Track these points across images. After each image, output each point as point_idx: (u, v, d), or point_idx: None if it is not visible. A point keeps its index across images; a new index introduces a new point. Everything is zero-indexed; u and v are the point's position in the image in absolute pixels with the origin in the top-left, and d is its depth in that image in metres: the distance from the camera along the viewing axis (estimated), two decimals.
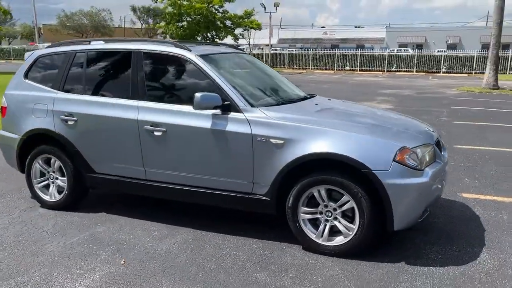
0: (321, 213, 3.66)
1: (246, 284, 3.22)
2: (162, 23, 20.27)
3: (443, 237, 3.98)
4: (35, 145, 4.71)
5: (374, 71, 33.71)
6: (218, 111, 3.86)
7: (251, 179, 3.82)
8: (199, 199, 4.16)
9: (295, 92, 4.84)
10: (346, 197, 3.51)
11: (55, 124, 4.52)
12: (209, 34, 19.70)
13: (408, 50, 38.91)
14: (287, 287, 3.18)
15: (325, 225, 3.66)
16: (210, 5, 18.73)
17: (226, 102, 3.84)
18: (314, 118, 3.91)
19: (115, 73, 4.61)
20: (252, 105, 3.88)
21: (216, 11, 19.19)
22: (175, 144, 4.03)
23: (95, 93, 4.50)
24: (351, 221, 3.57)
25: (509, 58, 30.29)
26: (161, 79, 4.52)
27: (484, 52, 30.79)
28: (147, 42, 4.49)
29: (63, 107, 4.51)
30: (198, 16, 18.65)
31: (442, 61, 32.14)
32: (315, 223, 3.73)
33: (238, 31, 21.71)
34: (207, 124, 3.88)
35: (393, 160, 3.38)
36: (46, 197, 4.78)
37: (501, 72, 29.04)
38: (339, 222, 3.61)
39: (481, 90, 18.28)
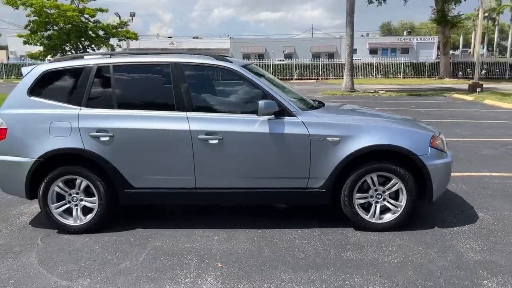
0: (371, 196, 4.35)
1: (345, 261, 3.73)
2: (26, 32, 18.31)
3: (445, 206, 5.02)
4: (52, 167, 4.36)
5: None
6: (272, 116, 4.25)
7: (307, 175, 4.30)
8: (254, 200, 4.47)
9: (306, 98, 5.41)
10: (394, 180, 4.27)
11: (83, 141, 4.29)
12: (81, 45, 18.58)
13: (283, 60, 41.37)
14: (377, 258, 3.79)
15: (376, 206, 4.36)
16: (81, 14, 17.68)
17: (279, 108, 4.26)
18: (356, 117, 4.59)
19: (150, 85, 4.55)
20: (302, 109, 4.37)
21: (87, 21, 18.18)
22: (232, 150, 4.27)
23: (128, 107, 4.40)
24: (396, 200, 4.34)
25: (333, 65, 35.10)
26: (206, 90, 4.66)
27: (316, 61, 35.57)
28: (181, 55, 4.59)
29: (92, 123, 4.31)
30: (69, 25, 17.45)
31: (294, 69, 35.61)
32: (364, 206, 4.39)
33: (114, 41, 20.88)
34: (265, 128, 4.24)
35: (430, 146, 4.27)
36: (68, 222, 4.46)
37: (335, 77, 33.62)
38: (388, 202, 4.35)
39: (342, 93, 21.11)
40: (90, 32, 18.35)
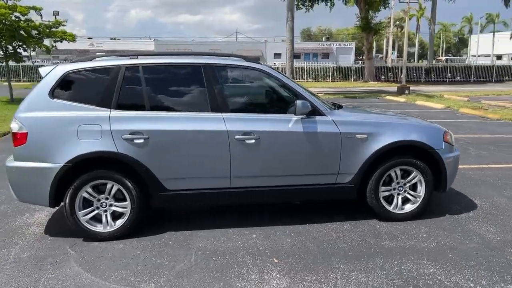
0: (394, 189, 4.70)
1: (388, 249, 4.01)
2: None
3: (444, 195, 5.51)
4: (80, 172, 4.17)
5: None
6: (304, 116, 4.44)
7: (337, 171, 4.54)
8: (286, 197, 4.62)
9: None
10: (415, 173, 4.65)
11: (116, 144, 4.15)
12: (14, 44, 17.16)
13: None
14: (415, 245, 4.12)
15: (398, 198, 4.71)
16: (12, 12, 16.36)
17: (311, 108, 4.46)
18: (377, 115, 4.91)
19: (182, 87, 4.50)
20: (330, 109, 4.61)
21: (18, 19, 16.86)
22: (268, 149, 4.38)
23: (161, 108, 4.34)
24: (414, 191, 4.72)
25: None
26: (238, 91, 4.70)
27: None
28: (213, 57, 4.60)
29: (124, 125, 4.19)
30: (0, 25, 16.08)
31: None
32: (387, 198, 4.72)
33: (48, 41, 19.51)
34: (299, 127, 4.41)
35: (443, 141, 4.71)
36: (97, 229, 4.28)
37: None
38: (408, 193, 4.72)
39: None
40: (22, 32, 17.06)
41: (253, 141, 4.32)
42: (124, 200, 4.28)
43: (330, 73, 36.45)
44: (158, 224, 4.63)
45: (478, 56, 78.29)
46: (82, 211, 4.24)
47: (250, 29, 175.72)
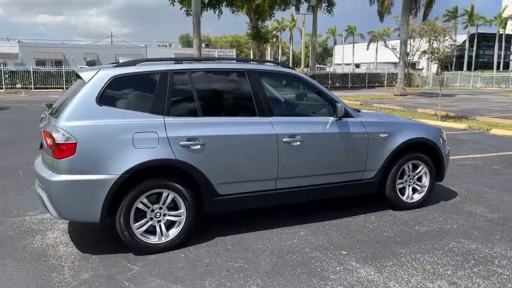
0: (405, 181, 5.32)
1: (425, 233, 4.57)
2: None
3: None
4: (135, 182, 3.98)
5: (51, 88, 32.07)
6: (338, 118, 4.82)
7: (364, 167, 5.01)
8: (322, 195, 4.93)
9: None
10: (422, 166, 5.33)
11: (174, 152, 4.05)
12: None
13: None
14: (442, 227, 4.76)
15: (409, 189, 5.34)
16: None
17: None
18: (392, 117, 5.48)
19: (229, 92, 4.52)
20: (357, 111, 5.06)
21: None
22: (310, 150, 4.65)
23: (211, 113, 4.34)
24: (420, 182, 5.41)
25: None
26: (277, 96, 4.84)
27: None
28: (252, 63, 4.71)
29: (180, 132, 4.10)
30: None
31: None
32: (400, 190, 5.31)
33: None
34: (335, 129, 4.78)
35: (440, 137, 5.48)
36: (151, 240, 4.11)
37: None
38: (416, 184, 5.39)
39: None
40: None
41: (298, 143, 4.55)
42: (177, 208, 4.18)
43: None
44: (197, 232, 4.56)
45: (340, 64, 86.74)
46: (137, 224, 4.04)
47: (120, 33, 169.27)
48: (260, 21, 35.01)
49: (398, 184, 5.24)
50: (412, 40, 27.24)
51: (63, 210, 3.89)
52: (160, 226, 4.14)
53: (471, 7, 70.98)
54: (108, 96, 3.98)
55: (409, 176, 5.31)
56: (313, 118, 4.82)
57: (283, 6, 35.69)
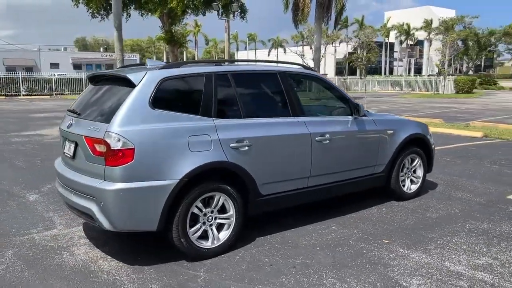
0: (405, 174, 5.81)
1: (438, 219, 5.06)
2: None
3: None
4: (192, 186, 3.89)
5: None
6: (355, 117, 5.15)
7: (375, 162, 5.40)
8: (343, 190, 5.19)
9: None
10: (417, 159, 5.86)
11: (226, 154, 4.03)
12: None
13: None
14: (449, 212, 5.29)
15: (407, 181, 5.84)
16: None
17: None
18: (390, 116, 5.91)
19: (266, 93, 4.58)
20: (367, 110, 5.43)
21: None
22: (336, 148, 4.90)
23: (252, 114, 4.37)
24: (415, 174, 5.94)
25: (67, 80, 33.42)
26: (304, 96, 4.96)
27: (49, 75, 32.87)
28: (280, 65, 4.82)
29: (230, 134, 4.09)
30: None
31: (21, 83, 31.22)
32: (402, 182, 5.78)
33: None
34: (355, 127, 5.09)
35: (428, 132, 6.08)
36: (205, 245, 4.03)
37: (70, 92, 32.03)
38: (413, 176, 5.91)
39: None
40: None
41: (327, 141, 4.77)
42: (224, 211, 4.15)
43: None
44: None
45: None
46: (192, 229, 3.94)
47: None
48: (173, 25, 34.52)
49: (401, 177, 5.70)
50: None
51: (118, 220, 3.66)
52: (212, 230, 4.08)
53: (362, 17, 77.07)
54: (160, 99, 3.83)
55: (408, 168, 5.81)
56: (336, 117, 5.08)
57: (196, 11, 35.58)
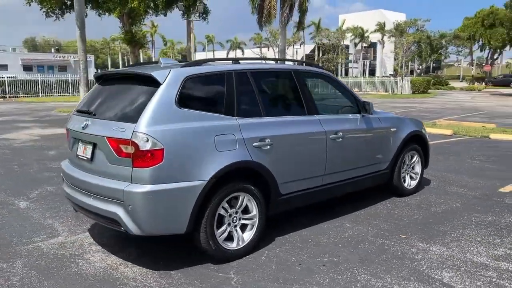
0: (406, 170, 5.94)
1: (445, 213, 5.22)
2: None
3: None
4: (220, 187, 3.80)
5: None
6: (361, 115, 5.22)
7: (381, 159, 5.49)
8: (354, 187, 5.23)
9: None
10: (416, 156, 6.02)
11: (250, 153, 3.97)
12: None
13: None
14: (450, 206, 5.46)
15: (407, 177, 5.98)
16: None
17: None
18: (390, 114, 6.02)
19: (282, 91, 4.54)
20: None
21: None
22: (347, 145, 4.93)
23: (271, 113, 4.32)
24: (414, 170, 6.10)
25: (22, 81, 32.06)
26: (316, 95, 4.94)
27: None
28: (293, 63, 4.80)
29: (252, 133, 4.03)
30: None
31: None
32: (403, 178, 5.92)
33: None
34: (363, 125, 5.16)
35: (424, 128, 6.25)
36: (230, 247, 3.94)
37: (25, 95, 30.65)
38: (412, 173, 6.05)
39: None
40: None
41: (340, 139, 4.80)
42: (248, 211, 4.09)
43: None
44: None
45: None
46: (219, 231, 3.85)
47: None
48: (134, 25, 33.73)
49: (402, 173, 5.82)
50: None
51: (147, 224, 3.51)
52: (236, 231, 4.00)
53: (319, 19, 78.47)
54: (185, 98, 3.72)
55: (408, 165, 5.95)
56: (345, 115, 5.11)
57: (156, 11, 34.89)
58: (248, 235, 4.06)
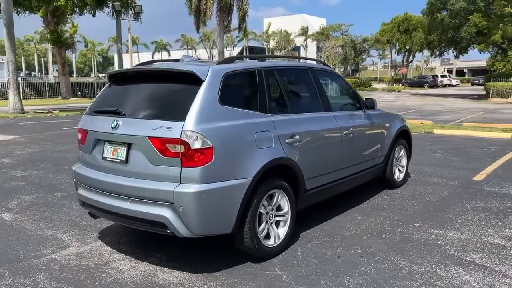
0: (395, 164, 6.25)
1: (443, 202, 5.59)
2: None
3: None
4: (261, 184, 3.77)
5: None
6: (364, 111, 5.45)
7: (379, 154, 5.75)
8: (360, 181, 5.42)
9: None
10: (403, 150, 6.36)
11: (284, 150, 3.99)
12: None
13: None
14: (444, 197, 5.85)
15: (396, 170, 6.30)
16: None
17: None
18: (382, 111, 6.28)
19: (302, 88, 4.57)
20: None
21: None
22: (356, 140, 5.10)
23: (296, 110, 4.37)
24: (401, 163, 6.44)
25: None
26: (330, 91, 5.03)
27: None
28: (307, 61, 4.86)
29: (284, 129, 4.04)
30: None
31: None
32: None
33: None
34: (367, 121, 5.38)
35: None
36: (268, 244, 3.92)
37: None
38: (400, 165, 6.39)
39: (15, 115, 18.40)
40: None
41: (351, 134, 4.97)
42: (280, 208, 4.10)
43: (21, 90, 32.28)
44: None
45: None
46: (260, 228, 3.82)
47: None
48: (59, 25, 31.83)
49: (394, 166, 6.13)
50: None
51: (198, 225, 3.39)
52: (272, 228, 3.99)
53: (245, 22, 79.32)
54: (226, 95, 3.64)
55: (396, 159, 6.27)
56: (352, 111, 5.28)
57: (82, 10, 33.19)
58: (282, 232, 4.06)
